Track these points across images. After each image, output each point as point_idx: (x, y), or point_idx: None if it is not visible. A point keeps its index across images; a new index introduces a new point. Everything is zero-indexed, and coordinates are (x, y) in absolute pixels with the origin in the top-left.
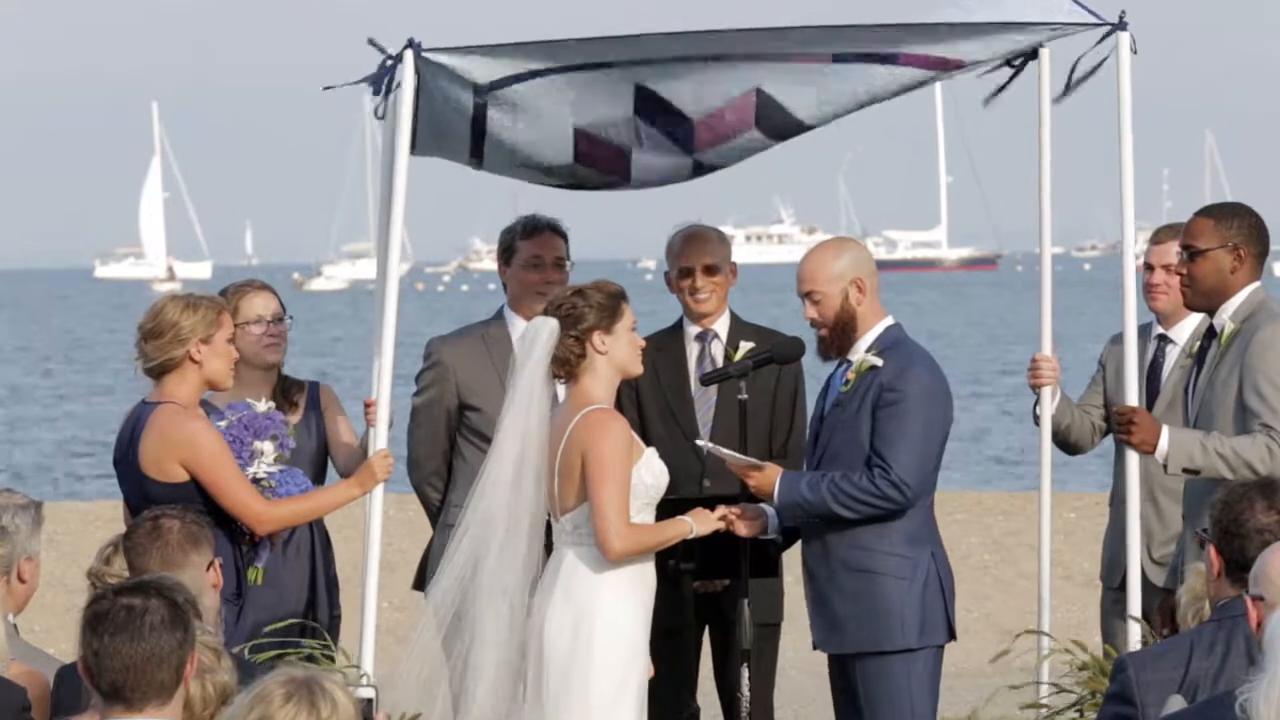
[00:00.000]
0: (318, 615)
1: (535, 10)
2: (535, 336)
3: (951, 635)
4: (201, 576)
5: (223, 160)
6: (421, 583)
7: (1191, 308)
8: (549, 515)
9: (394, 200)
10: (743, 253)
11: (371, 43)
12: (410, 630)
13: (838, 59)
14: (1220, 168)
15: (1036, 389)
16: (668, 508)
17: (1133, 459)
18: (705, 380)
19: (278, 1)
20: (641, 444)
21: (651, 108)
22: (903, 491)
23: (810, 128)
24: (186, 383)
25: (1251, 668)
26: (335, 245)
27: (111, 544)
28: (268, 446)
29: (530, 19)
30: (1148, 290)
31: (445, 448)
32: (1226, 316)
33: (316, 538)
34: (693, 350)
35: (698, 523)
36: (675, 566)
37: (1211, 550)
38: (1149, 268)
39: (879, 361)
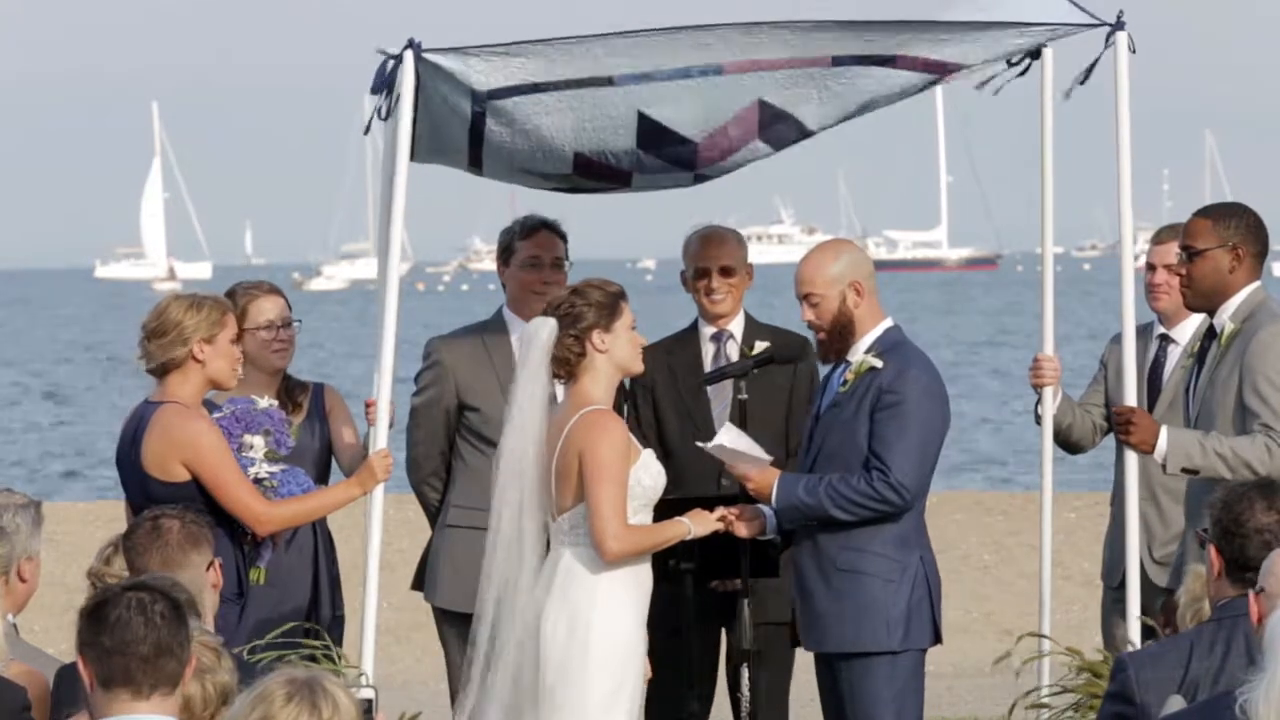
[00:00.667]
0: (320, 615)
1: (535, 10)
2: (535, 336)
3: (937, 639)
4: (201, 576)
5: (223, 161)
6: (421, 583)
7: (1191, 308)
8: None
9: (394, 200)
10: None
11: (381, 52)
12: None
13: (837, 61)
14: (1220, 168)
15: (1038, 389)
16: (682, 506)
17: (1132, 459)
18: (705, 380)
19: (278, 2)
20: (639, 445)
21: (655, 140)
22: (901, 494)
23: (813, 133)
24: (189, 382)
25: (1251, 668)
26: (334, 246)
27: (111, 544)
28: (258, 440)
29: (530, 19)
30: (1149, 290)
31: (444, 448)
32: (1226, 316)
33: (319, 537)
34: (708, 350)
35: (695, 524)
36: (675, 566)
37: (1212, 550)
38: (1150, 268)
39: (879, 363)
